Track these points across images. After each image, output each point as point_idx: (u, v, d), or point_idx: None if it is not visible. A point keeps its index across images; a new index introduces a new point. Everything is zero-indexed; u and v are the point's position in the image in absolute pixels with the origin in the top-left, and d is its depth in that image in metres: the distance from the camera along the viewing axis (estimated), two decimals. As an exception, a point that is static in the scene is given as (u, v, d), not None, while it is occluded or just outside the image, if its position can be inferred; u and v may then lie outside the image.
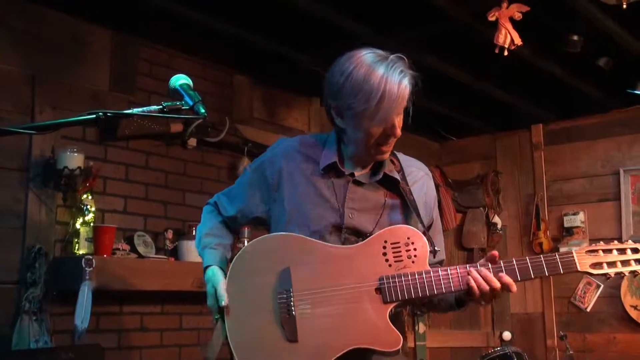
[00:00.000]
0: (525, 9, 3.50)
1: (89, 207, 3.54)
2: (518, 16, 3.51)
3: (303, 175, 2.04)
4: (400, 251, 1.90)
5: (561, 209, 5.63)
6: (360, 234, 1.96)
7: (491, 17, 3.55)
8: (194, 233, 3.95)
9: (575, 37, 4.02)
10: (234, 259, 2.03)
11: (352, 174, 2.02)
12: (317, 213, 1.98)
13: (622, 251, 1.96)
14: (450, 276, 1.87)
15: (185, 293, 3.82)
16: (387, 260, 1.90)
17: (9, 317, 3.29)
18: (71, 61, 3.70)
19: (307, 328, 1.88)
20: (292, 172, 2.05)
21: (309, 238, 1.96)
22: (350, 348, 1.85)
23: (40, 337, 3.27)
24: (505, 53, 3.62)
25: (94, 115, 1.63)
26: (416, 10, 3.79)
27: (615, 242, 1.98)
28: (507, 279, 1.85)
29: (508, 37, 3.55)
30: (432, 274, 1.87)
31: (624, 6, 3.46)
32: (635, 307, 5.18)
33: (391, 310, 1.88)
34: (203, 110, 1.70)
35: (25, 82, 3.51)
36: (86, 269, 3.24)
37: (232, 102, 4.53)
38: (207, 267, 2.07)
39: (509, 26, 3.54)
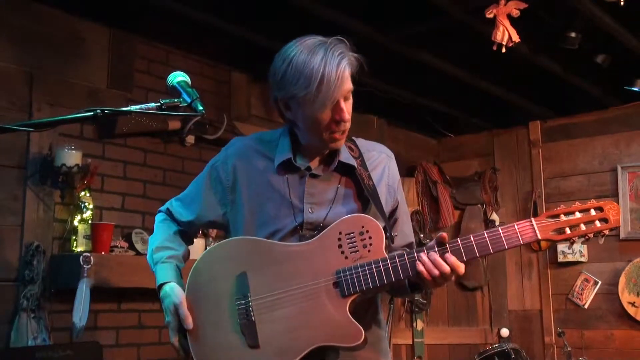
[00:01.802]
0: (523, 6, 3.50)
1: (87, 204, 3.54)
2: (516, 13, 3.51)
3: (259, 174, 1.99)
4: (355, 241, 1.85)
5: (558, 206, 5.62)
6: (321, 229, 1.91)
7: (489, 14, 3.55)
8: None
9: (573, 34, 4.02)
10: (191, 269, 1.97)
11: (309, 168, 1.98)
12: (276, 212, 1.94)
13: (585, 212, 1.83)
14: (407, 262, 1.81)
15: (184, 290, 3.83)
16: (343, 252, 1.85)
17: (8, 315, 3.29)
18: (69, 58, 3.70)
19: (267, 332, 1.85)
20: (248, 172, 2.01)
21: (265, 239, 1.92)
22: (312, 347, 1.82)
23: (39, 335, 3.27)
24: (503, 50, 3.63)
25: (92, 113, 1.63)
26: (414, 7, 3.79)
27: (578, 202, 1.87)
28: (453, 260, 1.78)
29: (506, 34, 3.55)
30: (388, 262, 1.82)
31: (622, 3, 3.47)
32: (632, 304, 5.19)
33: (352, 303, 1.84)
34: (201, 108, 1.70)
35: (23, 79, 3.50)
36: (84, 266, 3.24)
37: (230, 100, 4.53)
38: (162, 284, 1.99)
39: (507, 23, 3.54)
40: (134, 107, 1.69)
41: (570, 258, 5.50)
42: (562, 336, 4.92)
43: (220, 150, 2.12)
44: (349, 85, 1.85)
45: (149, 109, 1.69)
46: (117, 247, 3.61)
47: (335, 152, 1.98)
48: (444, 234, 1.82)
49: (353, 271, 1.83)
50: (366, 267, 1.82)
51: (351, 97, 1.89)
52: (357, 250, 1.85)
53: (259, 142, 2.07)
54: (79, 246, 3.50)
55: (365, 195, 1.96)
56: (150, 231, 3.88)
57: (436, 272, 1.77)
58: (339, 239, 1.86)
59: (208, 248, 2.01)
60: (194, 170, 4.20)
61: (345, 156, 1.99)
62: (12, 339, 3.24)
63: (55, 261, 3.45)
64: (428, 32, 4.11)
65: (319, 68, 1.79)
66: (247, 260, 1.91)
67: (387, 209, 2.01)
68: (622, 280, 5.24)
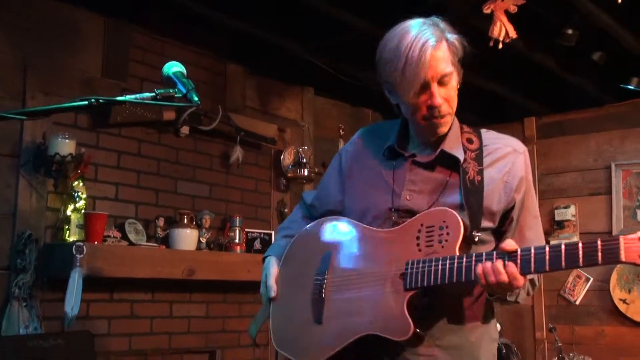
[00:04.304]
0: (521, 2, 3.49)
1: (80, 193, 3.53)
2: (513, 9, 3.50)
3: (370, 161, 2.00)
4: (433, 235, 1.77)
5: (552, 202, 5.65)
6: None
7: (486, 10, 3.54)
8: (185, 221, 3.95)
9: (570, 31, 4.02)
10: (290, 243, 2.08)
11: (413, 155, 1.93)
12: (377, 198, 1.92)
13: None
14: (469, 264, 1.69)
15: (176, 281, 3.82)
16: (418, 244, 1.78)
17: (-1, 303, 3.29)
18: (63, 47, 3.68)
19: (331, 311, 1.87)
20: (361, 159, 2.03)
21: (359, 223, 1.92)
22: (361, 335, 1.79)
23: (30, 323, 3.26)
24: (500, 46, 3.62)
25: (86, 102, 1.62)
26: (411, 1, 3.78)
27: None
28: (512, 270, 1.64)
29: (503, 30, 3.55)
30: (455, 261, 1.71)
31: (619, 1, 3.47)
32: (623, 301, 5.21)
33: (413, 297, 1.75)
34: (196, 98, 1.69)
35: (17, 67, 3.48)
36: (77, 255, 3.23)
37: (225, 91, 4.51)
38: (265, 257, 2.14)
39: (504, 19, 3.54)
40: (128, 97, 1.68)
41: (562, 254, 5.50)
42: (553, 332, 4.94)
43: None
44: (439, 69, 1.80)
45: (143, 98, 1.68)
46: (110, 237, 3.61)
47: (442, 142, 1.92)
48: (510, 242, 1.69)
49: (420, 265, 1.75)
50: (432, 264, 1.73)
51: (451, 81, 1.85)
52: (432, 245, 1.77)
53: (376, 130, 2.08)
54: (72, 235, 3.49)
55: (468, 190, 1.85)
56: (143, 222, 3.91)
57: (492, 279, 1.66)
58: (419, 231, 1.79)
59: (310, 224, 2.07)
60: (188, 161, 4.21)
61: (452, 146, 1.91)
62: (3, 328, 3.24)
63: (47, 250, 3.44)
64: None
65: (404, 51, 1.77)
66: (336, 240, 1.96)
67: (496, 207, 1.87)
68: (613, 277, 5.26)
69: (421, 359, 1.82)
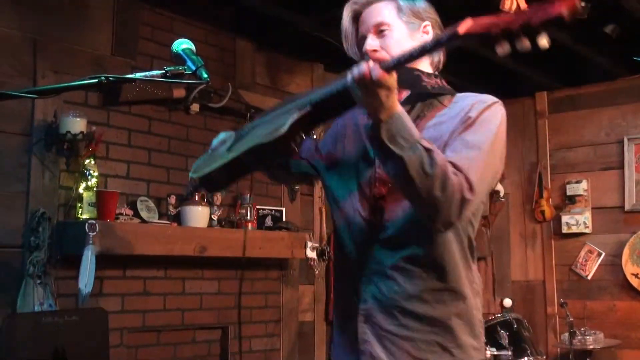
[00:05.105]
0: (532, -26, 3.45)
1: (92, 172, 3.55)
2: (525, -19, 3.46)
3: (358, 130, 1.98)
4: None
5: (564, 177, 5.63)
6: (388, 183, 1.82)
7: (497, -17, 3.51)
8: (196, 199, 3.97)
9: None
10: None
11: None
12: (362, 166, 1.90)
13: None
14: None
15: (188, 258, 3.85)
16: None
17: (14, 281, 3.32)
18: (73, 25, 3.68)
19: (243, 139, 1.90)
20: (350, 127, 2.01)
21: (315, 90, 1.91)
22: (252, 145, 1.76)
23: (45, 301, 3.30)
24: (511, 19, 3.58)
25: (96, 80, 1.62)
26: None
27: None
28: (371, 63, 1.58)
29: (514, 2, 3.51)
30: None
31: (633, -28, 3.42)
32: (636, 275, 5.20)
33: (305, 117, 1.71)
34: (206, 75, 1.69)
35: (27, 45, 3.48)
36: (89, 233, 3.26)
37: (234, 68, 4.50)
38: None
39: (516, -8, 3.50)
40: (138, 75, 1.68)
41: (574, 229, 5.51)
42: (564, 307, 4.94)
43: None
44: (372, 21, 1.90)
45: (153, 76, 1.68)
46: (122, 214, 3.63)
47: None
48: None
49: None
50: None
51: (392, 32, 1.88)
52: None
53: None
54: (85, 213, 3.51)
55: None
56: (155, 199, 3.92)
57: (355, 72, 1.59)
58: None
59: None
60: (198, 139, 4.21)
61: (420, 86, 1.86)
62: (19, 305, 3.28)
63: (60, 228, 3.46)
64: (433, 1, 4.07)
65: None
66: (289, 99, 1.94)
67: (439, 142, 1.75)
68: (626, 251, 5.25)
69: (397, 330, 1.77)
